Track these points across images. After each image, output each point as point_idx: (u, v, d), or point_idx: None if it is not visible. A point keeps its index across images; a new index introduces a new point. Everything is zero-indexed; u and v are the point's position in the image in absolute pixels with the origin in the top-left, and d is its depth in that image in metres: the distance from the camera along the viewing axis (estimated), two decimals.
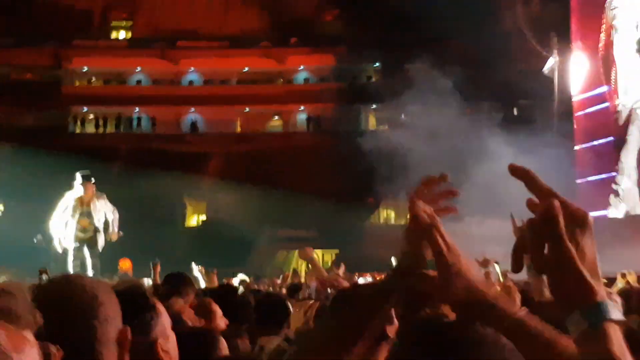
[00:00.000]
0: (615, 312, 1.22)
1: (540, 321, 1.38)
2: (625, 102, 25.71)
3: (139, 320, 2.20)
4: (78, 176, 14.15)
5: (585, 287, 1.22)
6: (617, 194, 25.30)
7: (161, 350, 2.18)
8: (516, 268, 1.34)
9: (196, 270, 10.98)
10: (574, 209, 1.25)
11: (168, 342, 2.35)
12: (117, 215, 14.90)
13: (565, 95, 29.00)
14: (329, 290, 5.50)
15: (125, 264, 12.06)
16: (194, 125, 41.25)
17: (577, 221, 1.25)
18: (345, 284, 5.32)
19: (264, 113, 40.29)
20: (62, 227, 14.37)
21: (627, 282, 9.86)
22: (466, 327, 1.76)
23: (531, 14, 30.94)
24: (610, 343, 1.18)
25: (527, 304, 5.02)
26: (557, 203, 1.24)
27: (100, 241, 14.42)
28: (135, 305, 2.20)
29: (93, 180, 14.41)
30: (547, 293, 4.73)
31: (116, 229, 14.95)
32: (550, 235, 1.23)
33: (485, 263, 7.56)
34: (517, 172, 1.30)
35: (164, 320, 2.34)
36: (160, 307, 2.37)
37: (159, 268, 8.35)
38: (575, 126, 28.28)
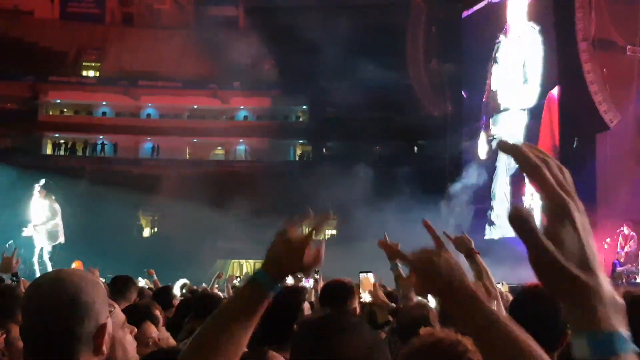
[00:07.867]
0: (629, 343, 0.90)
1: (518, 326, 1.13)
2: (495, 132, 24.46)
3: None
4: (36, 186, 14.67)
5: (592, 313, 0.91)
6: (491, 221, 23.67)
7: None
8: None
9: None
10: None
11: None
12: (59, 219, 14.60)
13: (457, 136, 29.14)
14: None
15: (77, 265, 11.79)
16: (150, 151, 40.89)
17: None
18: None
19: (209, 144, 40.28)
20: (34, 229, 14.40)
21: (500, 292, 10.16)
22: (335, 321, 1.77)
23: (430, 71, 31.45)
24: None
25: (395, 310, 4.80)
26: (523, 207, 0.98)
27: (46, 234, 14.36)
28: None
29: (44, 185, 14.66)
30: (414, 298, 4.38)
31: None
32: (527, 235, 0.95)
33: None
34: (506, 147, 1.02)
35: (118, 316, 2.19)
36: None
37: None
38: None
